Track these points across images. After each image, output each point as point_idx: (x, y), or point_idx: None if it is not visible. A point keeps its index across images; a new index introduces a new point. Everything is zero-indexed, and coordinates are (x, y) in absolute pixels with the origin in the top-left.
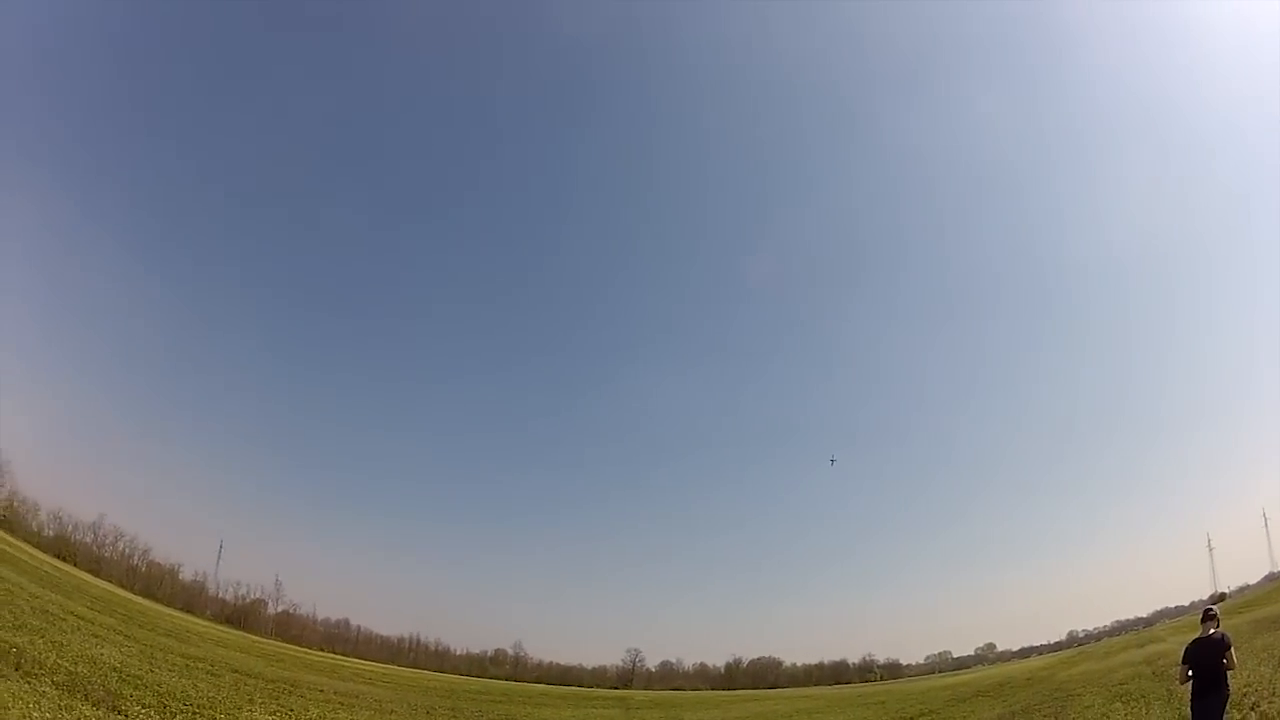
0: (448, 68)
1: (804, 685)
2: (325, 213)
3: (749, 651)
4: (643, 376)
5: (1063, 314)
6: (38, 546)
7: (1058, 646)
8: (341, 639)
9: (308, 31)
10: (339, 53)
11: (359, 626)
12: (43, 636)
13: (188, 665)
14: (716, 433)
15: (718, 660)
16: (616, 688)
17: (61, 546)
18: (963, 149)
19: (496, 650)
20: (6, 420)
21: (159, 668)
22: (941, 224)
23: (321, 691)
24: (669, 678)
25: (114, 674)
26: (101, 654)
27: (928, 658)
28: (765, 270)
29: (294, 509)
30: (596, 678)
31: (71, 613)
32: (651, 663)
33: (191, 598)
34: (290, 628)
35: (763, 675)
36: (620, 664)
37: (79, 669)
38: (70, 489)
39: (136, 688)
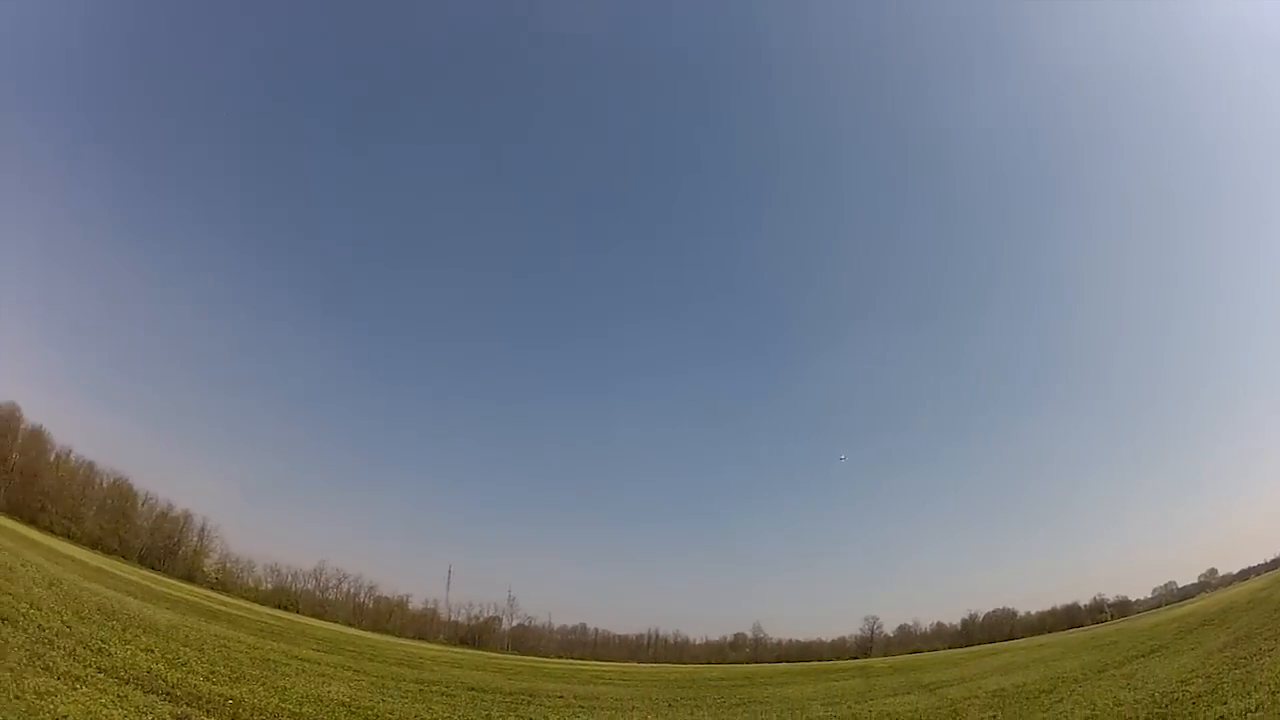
0: None
1: (1039, 633)
2: (565, 259)
3: (984, 605)
4: (846, 361)
5: None
6: (256, 600)
7: (1275, 564)
8: (579, 644)
9: None
10: None
11: (596, 629)
12: (263, 684)
13: (421, 690)
14: (933, 399)
15: (954, 618)
16: (856, 657)
17: (282, 597)
18: None
19: (736, 635)
20: (211, 488)
21: (390, 696)
22: None
23: (561, 697)
24: (907, 641)
25: (342, 709)
26: (329, 691)
27: (1154, 591)
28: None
29: (518, 528)
30: (836, 650)
31: (295, 657)
32: (889, 628)
33: (424, 625)
34: (527, 639)
35: (999, 627)
36: (859, 633)
37: (304, 709)
38: (284, 542)
39: (366, 718)
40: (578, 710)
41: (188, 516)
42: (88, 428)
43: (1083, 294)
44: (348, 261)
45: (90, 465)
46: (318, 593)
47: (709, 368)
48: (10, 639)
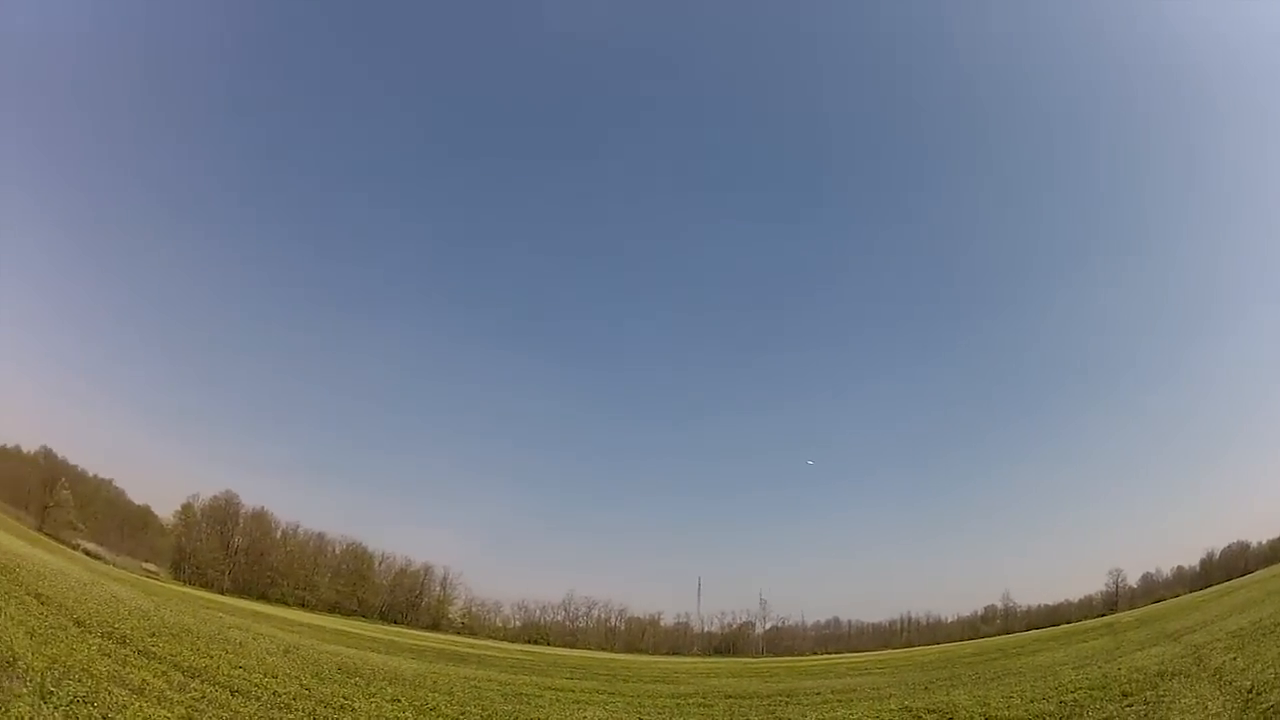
0: None
1: (1272, 564)
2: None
3: (1219, 542)
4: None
5: None
6: (505, 638)
7: None
8: (833, 638)
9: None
10: None
11: (849, 621)
12: (516, 719)
13: (678, 705)
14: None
15: (1192, 560)
16: (1103, 614)
17: (532, 631)
18: None
19: (986, 608)
20: (450, 539)
21: (648, 714)
22: None
23: (818, 694)
24: (1151, 590)
25: None
26: (584, 716)
27: None
28: None
29: (764, 531)
30: (1083, 609)
31: (548, 688)
32: (1132, 579)
33: (677, 640)
34: (781, 641)
35: (1234, 564)
36: (1104, 589)
37: None
38: (530, 579)
39: None
40: (835, 705)
41: (428, 569)
42: (313, 503)
43: None
44: (573, 307)
45: (320, 535)
46: (567, 622)
47: (925, 365)
48: (241, 709)
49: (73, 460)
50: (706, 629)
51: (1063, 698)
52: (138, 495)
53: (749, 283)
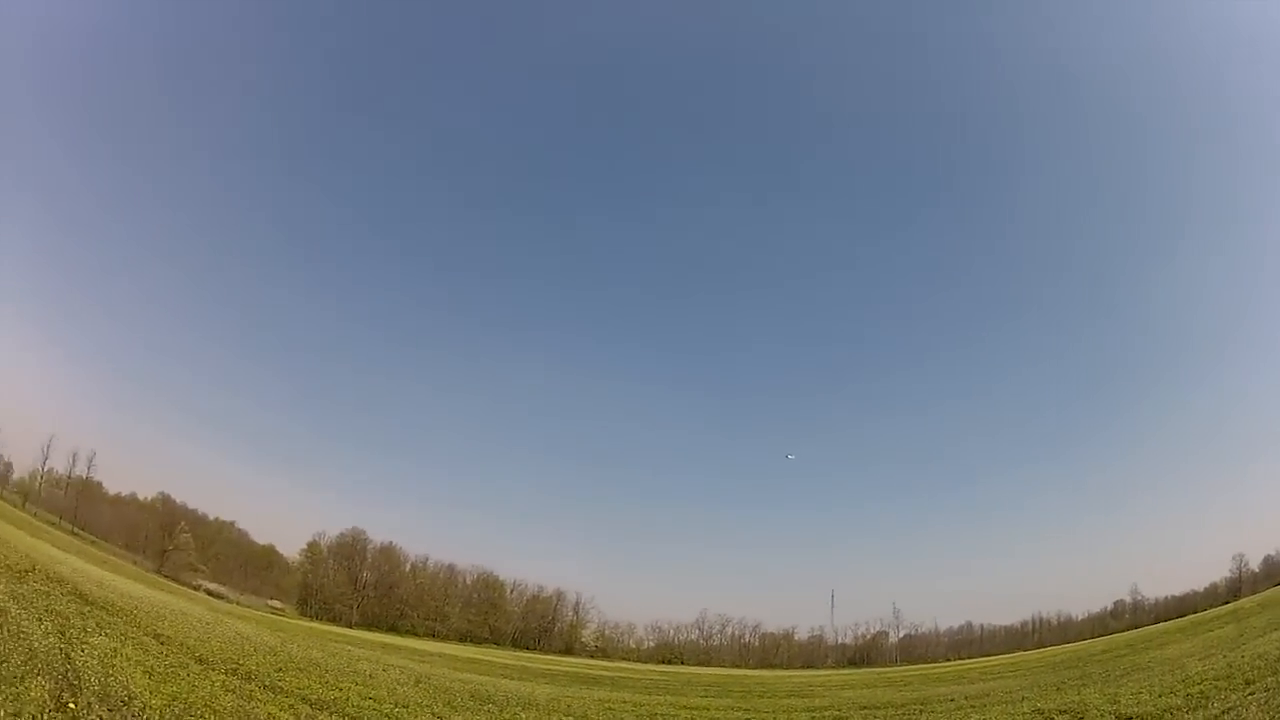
0: None
1: None
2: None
3: None
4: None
5: None
6: (639, 660)
7: None
8: (965, 643)
9: None
10: None
11: (981, 625)
12: None
13: (813, 718)
14: None
15: None
16: (1227, 601)
17: (666, 652)
18: None
19: (1115, 603)
20: (585, 563)
21: None
22: None
23: (952, 701)
24: (1273, 573)
25: None
26: None
27: None
28: None
29: (897, 541)
30: (1208, 598)
31: (684, 707)
32: (1254, 563)
33: (811, 653)
34: (914, 648)
35: None
36: (1228, 575)
37: None
38: (664, 600)
39: None
40: (969, 710)
41: (560, 594)
42: (444, 535)
43: None
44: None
45: (450, 567)
46: (701, 641)
47: (1044, 364)
48: None
49: (192, 504)
50: (840, 640)
51: (1189, 690)
52: (261, 536)
53: (864, 283)
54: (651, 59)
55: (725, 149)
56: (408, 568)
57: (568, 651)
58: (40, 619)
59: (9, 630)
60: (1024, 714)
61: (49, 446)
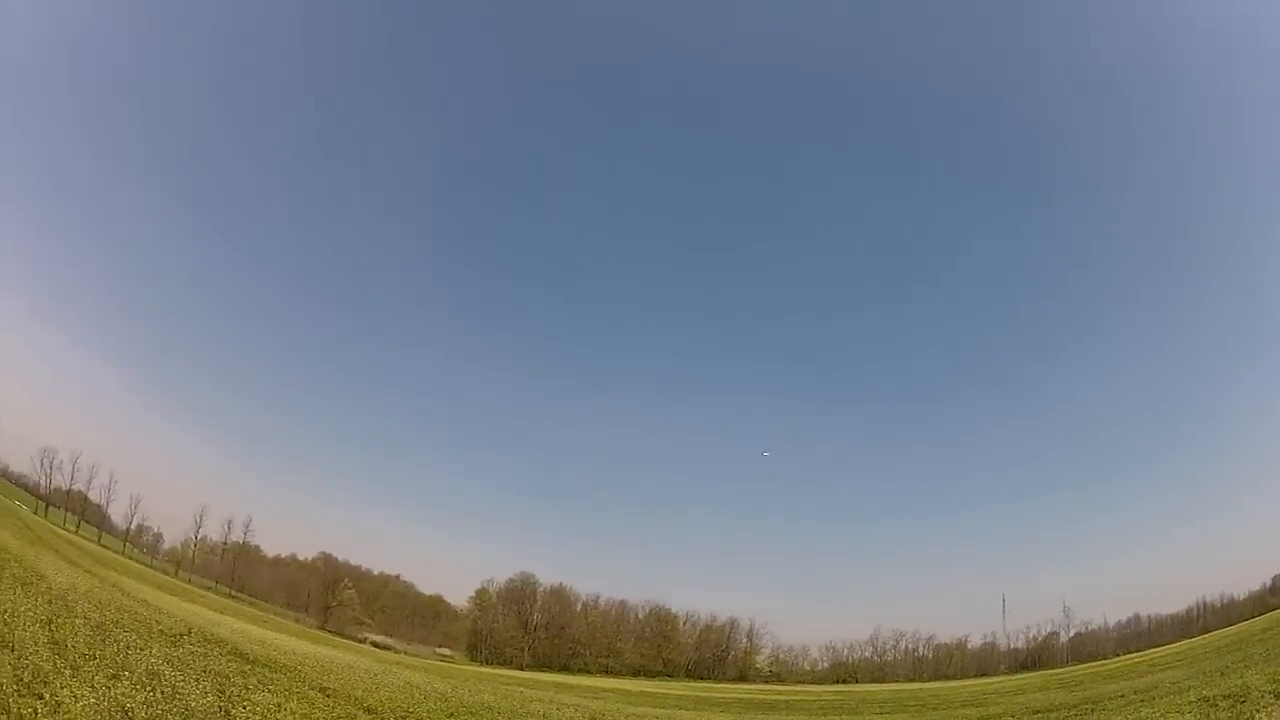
0: None
1: None
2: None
3: None
4: None
5: None
6: (813, 681)
7: None
8: (1133, 636)
9: None
10: None
11: (1148, 616)
12: None
13: None
14: None
15: None
16: None
17: (840, 671)
18: None
19: (1274, 577)
20: (757, 588)
21: None
22: None
23: (1121, 696)
24: None
25: None
26: None
27: None
28: None
29: (1060, 538)
30: None
31: None
32: None
33: (984, 660)
34: (1084, 647)
35: None
36: None
37: None
38: (837, 620)
39: None
40: (1139, 705)
41: (733, 622)
42: (613, 573)
43: None
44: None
45: (622, 603)
46: (875, 657)
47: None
48: None
49: (354, 561)
50: (1012, 645)
51: None
52: (428, 586)
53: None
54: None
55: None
56: (579, 607)
57: (742, 679)
58: (198, 679)
59: (163, 692)
60: (1190, 704)
61: (202, 515)
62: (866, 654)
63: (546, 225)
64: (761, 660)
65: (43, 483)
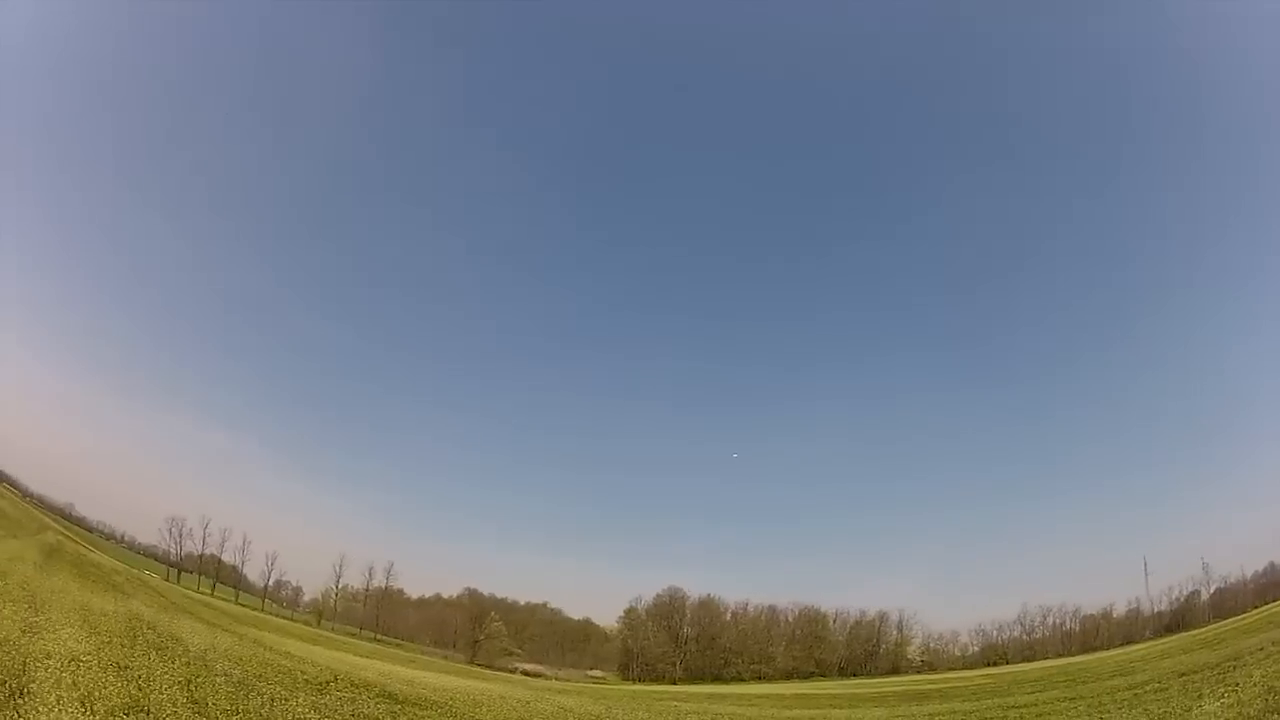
0: None
1: None
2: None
3: None
4: None
5: None
6: (965, 666)
7: None
8: (1271, 586)
9: None
10: None
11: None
12: None
13: (1136, 696)
14: None
15: None
16: None
17: (990, 653)
18: None
19: None
20: (904, 580)
21: (1109, 712)
22: None
23: (1261, 650)
24: None
25: None
26: None
27: None
28: None
29: (1194, 495)
30: None
31: (1011, 707)
32: None
33: (1129, 628)
34: (1225, 603)
35: None
36: None
37: None
38: (985, 602)
39: None
40: (1278, 658)
41: (883, 615)
42: (759, 579)
43: None
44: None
45: (771, 608)
46: (1023, 636)
47: None
48: None
49: (500, 594)
50: (1156, 609)
51: None
52: (576, 611)
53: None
54: None
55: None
56: (728, 616)
57: (894, 671)
58: None
59: None
60: None
61: (341, 564)
62: (1015, 633)
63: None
64: (913, 651)
65: (173, 550)
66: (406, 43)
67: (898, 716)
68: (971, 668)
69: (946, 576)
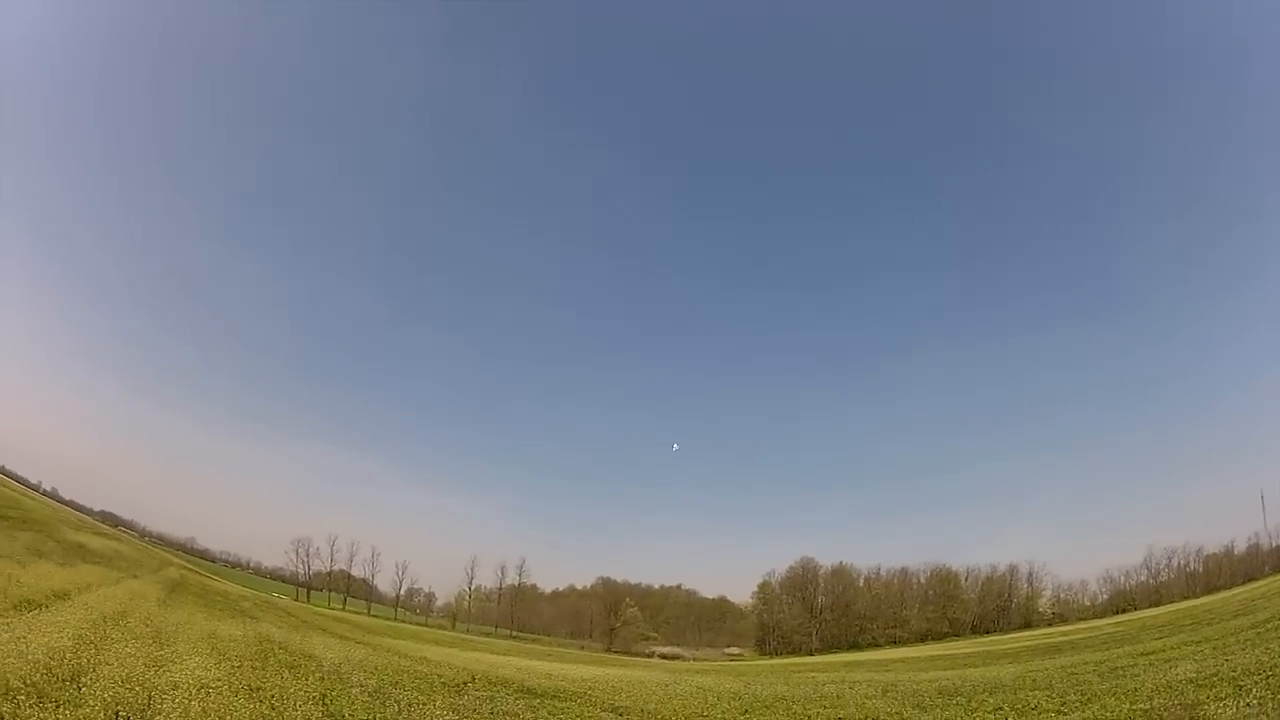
0: None
1: None
2: None
3: None
4: None
5: None
6: (1094, 616)
7: None
8: None
9: None
10: None
11: None
12: (1113, 695)
13: (1258, 634)
14: None
15: None
16: None
17: (1120, 600)
18: None
19: None
20: (1029, 531)
21: (1233, 652)
22: None
23: None
24: None
25: (1189, 686)
26: (1175, 675)
27: None
28: None
29: None
30: None
31: (1140, 654)
32: None
33: (1249, 565)
34: None
35: None
36: None
37: (1154, 701)
38: (1107, 548)
39: (1214, 685)
40: None
41: (1012, 570)
42: (887, 544)
43: None
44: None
45: (903, 570)
46: (1150, 580)
47: None
48: None
49: (633, 580)
50: (1275, 543)
51: None
52: (710, 590)
53: None
54: None
55: None
56: (861, 583)
57: (1026, 626)
58: None
59: None
60: None
61: (473, 566)
62: (1142, 578)
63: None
64: (1043, 604)
65: (300, 570)
66: (470, 46)
67: (1031, 671)
68: (1101, 616)
69: (1073, 524)
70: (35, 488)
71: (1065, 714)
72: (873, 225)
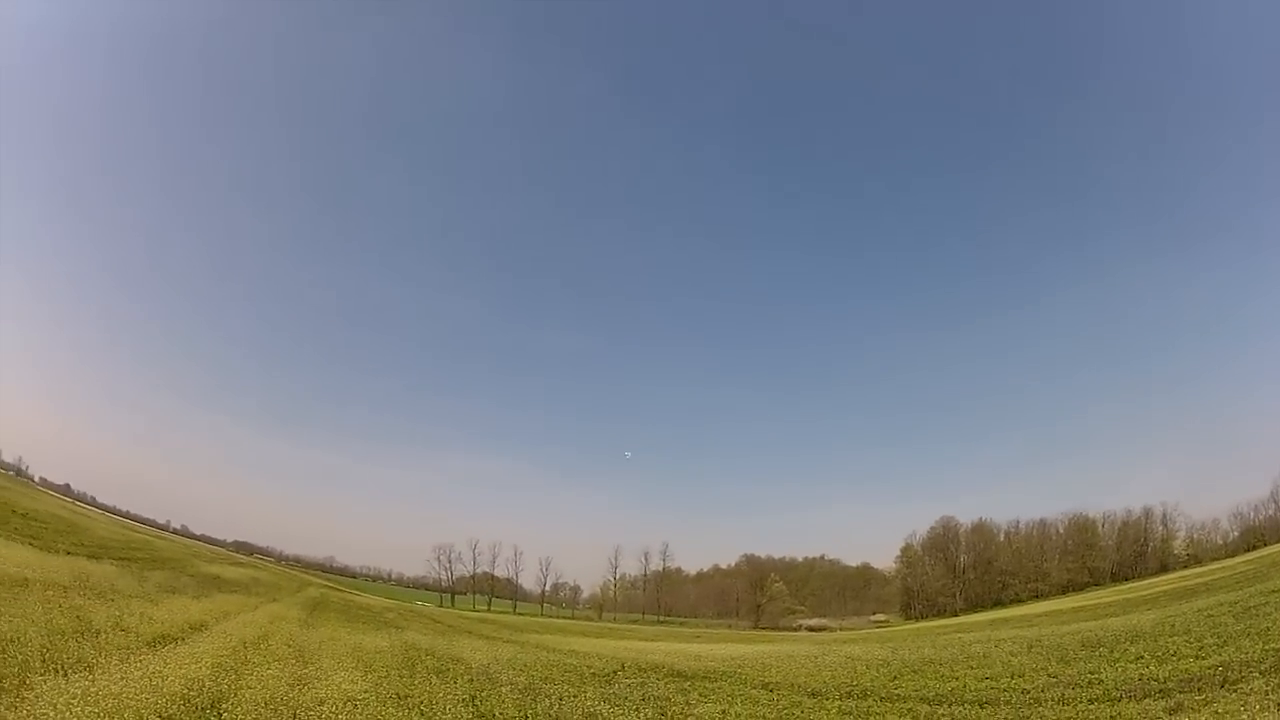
0: None
1: None
2: None
3: None
4: None
5: None
6: (1227, 555)
7: None
8: None
9: None
10: None
11: None
12: (1248, 636)
13: None
14: None
15: None
16: None
17: (1251, 538)
18: None
19: None
20: (1160, 467)
21: None
22: None
23: None
24: None
25: None
26: None
27: None
28: None
29: None
30: None
31: (1273, 592)
32: None
33: None
34: None
35: None
36: None
37: None
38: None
39: None
40: None
41: (1147, 512)
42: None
43: None
44: None
45: (1041, 522)
46: (1278, 514)
47: None
48: (991, 719)
49: (777, 554)
50: None
51: None
52: (853, 558)
53: None
54: None
55: None
56: (1001, 538)
57: (1163, 569)
58: (637, 708)
59: None
60: None
61: (617, 555)
62: (1270, 511)
63: None
64: (1178, 545)
65: (443, 577)
66: (553, 49)
67: (1169, 617)
68: (1234, 554)
69: (1202, 461)
70: (164, 527)
71: (1203, 658)
72: (977, 175)
